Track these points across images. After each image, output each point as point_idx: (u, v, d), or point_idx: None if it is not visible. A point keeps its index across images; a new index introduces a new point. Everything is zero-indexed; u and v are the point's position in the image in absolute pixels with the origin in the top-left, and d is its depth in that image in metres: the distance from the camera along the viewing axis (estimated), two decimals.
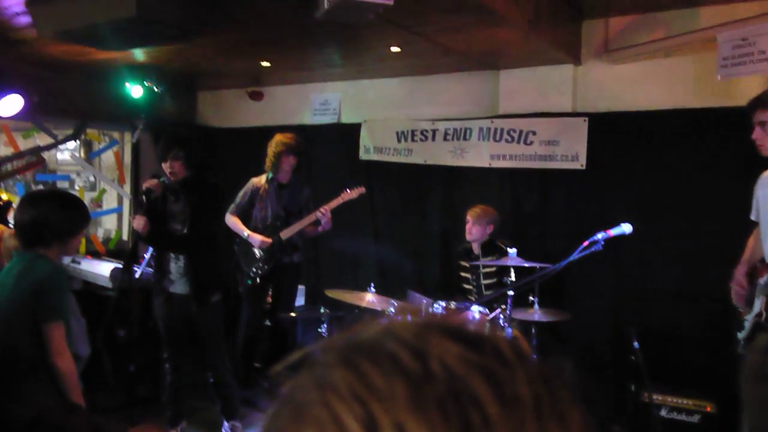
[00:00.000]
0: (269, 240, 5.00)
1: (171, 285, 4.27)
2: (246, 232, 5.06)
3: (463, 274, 4.97)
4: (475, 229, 4.81)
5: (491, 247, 4.81)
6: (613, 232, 3.32)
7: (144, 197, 4.15)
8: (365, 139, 6.21)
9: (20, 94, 5.24)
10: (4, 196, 5.32)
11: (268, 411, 0.52)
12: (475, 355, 0.49)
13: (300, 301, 5.92)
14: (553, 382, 0.51)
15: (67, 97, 6.13)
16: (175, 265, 4.25)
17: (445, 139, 5.70)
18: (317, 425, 0.47)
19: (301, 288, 5.89)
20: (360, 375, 0.48)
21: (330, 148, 6.39)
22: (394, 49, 5.00)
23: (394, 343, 0.49)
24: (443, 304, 4.26)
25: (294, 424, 0.49)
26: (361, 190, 5.09)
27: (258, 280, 5.08)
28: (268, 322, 5.33)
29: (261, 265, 5.06)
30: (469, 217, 4.85)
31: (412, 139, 5.90)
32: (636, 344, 3.96)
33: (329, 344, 0.53)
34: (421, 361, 0.48)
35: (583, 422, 0.51)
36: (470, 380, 0.47)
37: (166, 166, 4.17)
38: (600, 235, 3.26)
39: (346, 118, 6.47)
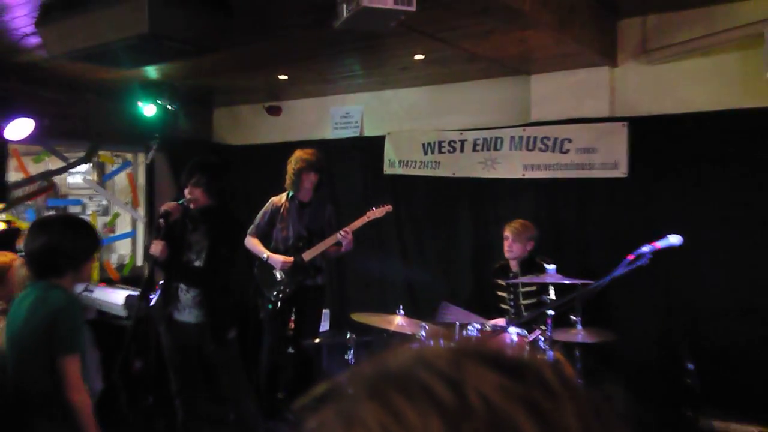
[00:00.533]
0: (290, 260, 5.02)
1: (176, 312, 4.30)
2: (266, 253, 5.08)
3: (500, 293, 4.92)
4: (515, 246, 4.77)
5: (531, 265, 4.75)
6: (660, 244, 3.27)
7: (162, 220, 4.20)
8: (390, 153, 6.22)
9: (30, 117, 5.36)
10: (8, 223, 5.42)
11: None
12: (516, 384, 0.47)
13: (324, 326, 5.91)
14: (605, 413, 0.49)
15: (79, 119, 6.25)
16: (185, 296, 4.29)
17: (474, 149, 5.69)
18: None
19: (325, 312, 5.88)
20: (391, 409, 0.46)
21: (353, 163, 6.41)
22: (418, 57, 5.02)
23: (427, 372, 0.48)
24: (478, 326, 4.22)
25: None
26: (388, 208, 5.09)
27: (279, 304, 5.09)
28: (291, 350, 5.33)
29: (282, 288, 5.07)
30: (508, 233, 4.80)
31: (440, 151, 5.90)
32: (691, 365, 3.88)
33: (356, 374, 0.51)
34: (457, 392, 0.46)
35: None
36: (512, 413, 0.45)
37: (186, 192, 4.23)
38: (646, 248, 3.21)
39: (369, 131, 6.49)
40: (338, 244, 5.04)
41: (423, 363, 0.49)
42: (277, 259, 5.03)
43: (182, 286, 4.31)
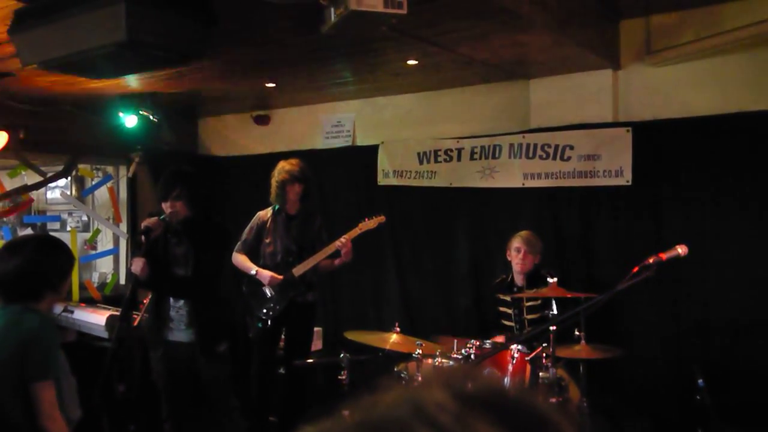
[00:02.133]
0: (280, 277, 5.01)
1: (170, 333, 4.30)
2: (254, 269, 5.08)
3: (502, 309, 4.91)
4: (528, 259, 4.77)
5: (536, 278, 4.75)
6: (667, 255, 3.27)
7: (143, 237, 4.20)
8: (383, 163, 6.23)
9: (4, 130, 5.35)
10: None
11: None
12: None
13: (317, 345, 5.89)
14: None
15: (56, 131, 6.25)
16: (176, 313, 4.29)
17: (471, 158, 5.69)
18: None
19: (317, 330, 5.86)
20: None
21: (345, 173, 6.42)
22: (411, 62, 5.03)
23: (425, 427, 0.43)
24: (476, 343, 4.21)
25: None
26: (381, 219, 5.09)
27: (269, 323, 5.07)
28: (282, 370, 5.31)
29: (272, 305, 5.06)
30: (519, 245, 4.79)
31: (436, 160, 5.91)
32: (701, 382, 3.87)
33: (345, 425, 0.47)
34: None
35: None
36: None
37: (166, 206, 4.23)
38: (652, 260, 3.21)
39: (362, 140, 6.50)
40: (332, 257, 5.04)
41: (422, 415, 0.44)
42: (265, 274, 5.02)
43: (173, 304, 4.31)
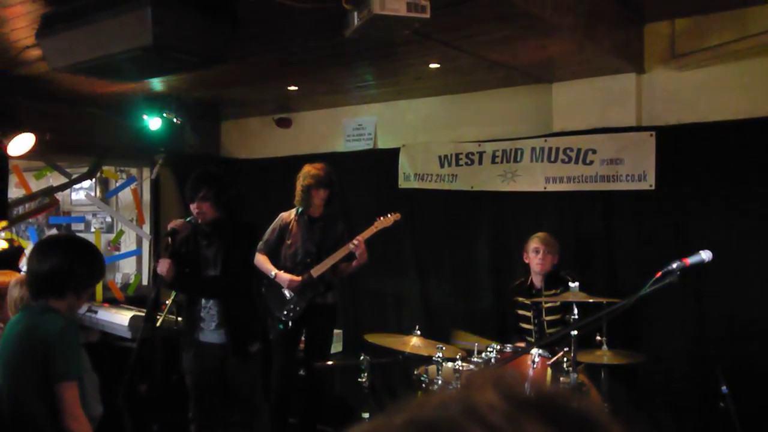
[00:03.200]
0: (298, 279, 5.03)
1: (201, 334, 4.34)
2: (273, 271, 5.10)
3: (521, 311, 4.91)
4: (548, 259, 4.77)
5: (555, 280, 4.74)
6: (691, 260, 3.24)
7: (169, 238, 4.24)
8: (405, 166, 6.24)
9: (31, 132, 5.44)
10: (10, 242, 5.48)
11: None
12: None
13: (337, 347, 5.91)
14: None
15: (81, 133, 6.34)
16: (207, 314, 4.33)
17: (493, 162, 5.69)
18: None
19: (337, 333, 5.88)
20: None
21: (366, 176, 6.43)
22: (434, 65, 5.05)
23: (479, 427, 0.44)
24: (497, 347, 4.20)
25: None
26: (396, 216, 5.10)
27: (290, 324, 5.10)
28: (302, 372, 5.33)
29: (292, 307, 5.08)
30: (538, 245, 4.78)
31: (457, 164, 5.91)
32: (725, 389, 3.83)
33: (390, 423, 0.47)
34: None
35: None
36: None
37: (193, 207, 4.28)
38: (675, 265, 3.18)
39: (383, 143, 6.52)
40: (350, 258, 5.05)
41: (474, 415, 0.45)
42: (284, 277, 5.05)
43: (204, 304, 4.35)
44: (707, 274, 4.27)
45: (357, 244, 4.96)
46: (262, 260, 5.20)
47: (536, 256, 4.79)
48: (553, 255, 4.78)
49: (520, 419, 0.45)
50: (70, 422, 2.72)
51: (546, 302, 4.72)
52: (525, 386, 0.48)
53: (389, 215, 5.10)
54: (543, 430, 0.44)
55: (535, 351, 4.00)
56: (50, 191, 6.57)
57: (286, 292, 5.11)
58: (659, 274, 3.14)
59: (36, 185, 6.83)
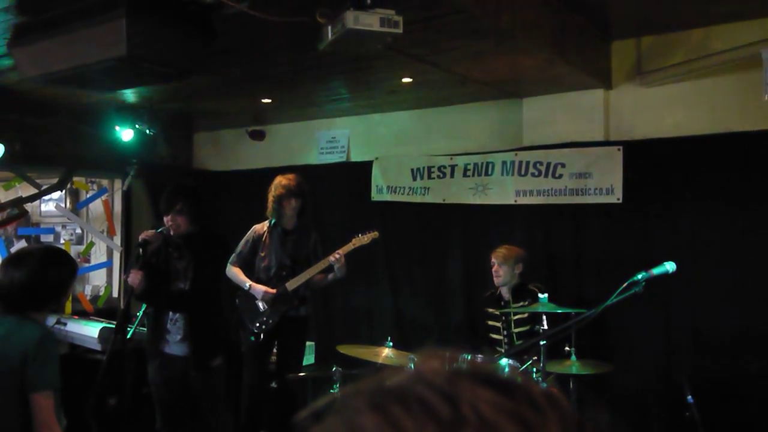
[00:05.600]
0: (273, 291, 5.03)
1: (166, 346, 4.32)
2: (248, 283, 5.09)
3: (491, 322, 4.96)
4: (502, 271, 4.82)
5: (523, 291, 4.80)
6: (655, 271, 3.32)
7: (140, 250, 4.22)
8: (377, 178, 6.28)
9: (0, 142, 5.38)
10: None
11: None
12: (507, 400, 0.52)
13: (309, 359, 5.91)
14: (587, 429, 0.54)
15: (52, 144, 6.27)
16: (174, 326, 4.32)
17: (464, 175, 5.75)
18: None
19: (310, 344, 5.87)
20: (390, 419, 0.51)
21: (339, 189, 6.46)
22: (406, 80, 5.10)
23: (425, 387, 0.53)
24: (467, 356, 4.23)
25: None
26: (374, 234, 5.11)
27: (262, 336, 5.09)
28: (274, 384, 5.31)
29: (265, 319, 5.08)
30: (494, 260, 4.86)
31: (429, 177, 5.96)
32: (690, 398, 3.91)
33: (357, 389, 0.56)
34: (452, 406, 0.51)
35: None
36: (502, 426, 0.50)
37: (168, 219, 4.27)
38: (640, 276, 3.26)
39: (356, 156, 6.56)
40: (325, 271, 5.05)
41: (421, 379, 0.54)
42: (259, 289, 5.04)
43: (171, 316, 4.34)
44: (674, 286, 4.36)
45: (338, 257, 4.95)
46: (235, 272, 5.18)
47: (493, 269, 4.87)
48: (510, 267, 4.81)
49: (457, 380, 0.53)
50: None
51: (514, 313, 4.78)
52: (464, 360, 0.58)
53: (367, 233, 5.09)
54: (476, 388, 0.52)
55: (504, 361, 4.05)
56: (19, 202, 6.49)
57: (260, 304, 5.09)
58: (625, 284, 3.22)
59: (5, 196, 6.74)
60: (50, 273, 2.89)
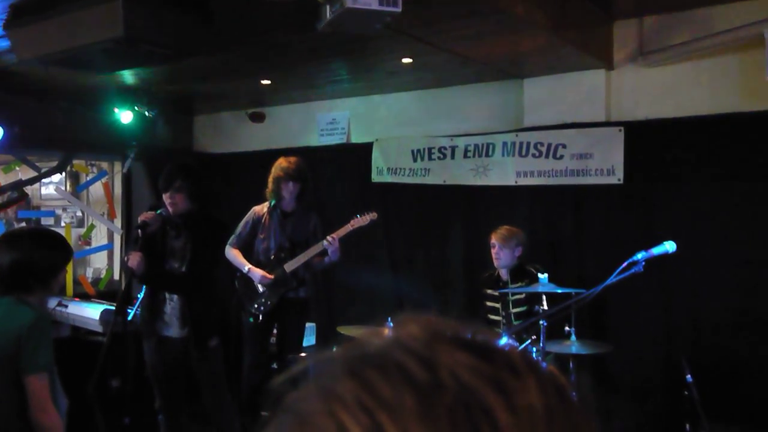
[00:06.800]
0: (270, 276, 5.03)
1: (164, 327, 4.33)
2: (246, 266, 5.10)
3: (489, 303, 4.96)
4: (503, 254, 4.81)
5: (521, 272, 4.80)
6: (655, 251, 3.31)
7: (139, 231, 4.22)
8: (378, 160, 6.26)
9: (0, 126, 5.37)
10: None
11: (268, 422, 0.55)
12: (485, 365, 0.52)
13: (310, 340, 5.92)
14: (568, 395, 0.54)
15: (51, 127, 6.26)
16: (169, 306, 4.32)
17: (465, 156, 5.74)
18: None
19: (311, 326, 5.89)
20: (367, 385, 0.51)
21: (339, 170, 6.45)
22: (406, 60, 5.07)
23: (402, 353, 0.52)
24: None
25: None
26: (373, 215, 5.11)
27: (261, 318, 5.10)
28: (275, 365, 5.34)
29: (264, 301, 5.09)
30: (494, 241, 4.85)
31: (430, 158, 5.95)
32: (690, 377, 3.92)
33: (334, 355, 0.56)
34: (430, 371, 0.51)
35: None
36: (481, 391, 0.50)
37: (166, 197, 4.25)
38: (640, 255, 3.26)
39: (356, 138, 6.54)
40: (323, 254, 5.05)
41: (398, 345, 0.54)
42: (257, 273, 5.04)
43: (167, 297, 4.34)
44: (674, 266, 4.36)
45: (331, 241, 4.95)
46: (234, 254, 5.18)
47: (493, 250, 4.85)
48: (510, 249, 4.80)
49: (435, 345, 0.53)
50: (39, 415, 2.71)
51: (512, 294, 4.78)
52: (443, 325, 0.57)
53: (366, 214, 5.09)
54: (454, 352, 0.52)
55: (504, 340, 4.05)
56: (19, 185, 6.49)
57: (259, 286, 5.11)
58: (625, 264, 3.22)
59: (5, 179, 6.74)
60: (39, 255, 2.88)
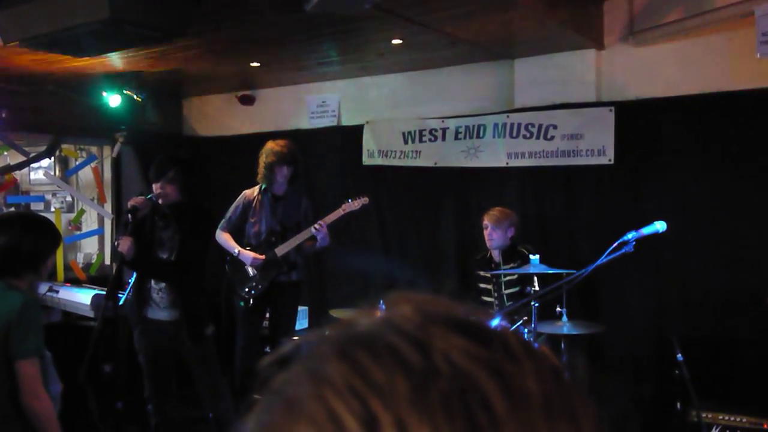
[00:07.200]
0: (261, 257, 5.03)
1: (152, 311, 4.33)
2: (237, 249, 5.09)
3: (482, 285, 4.97)
4: (495, 235, 4.82)
5: (513, 253, 4.82)
6: (645, 231, 3.32)
7: (129, 216, 4.20)
8: (369, 142, 6.24)
9: None
10: None
11: (255, 405, 0.53)
12: (481, 349, 0.50)
13: (303, 323, 5.93)
14: (565, 379, 0.52)
15: (39, 111, 6.21)
16: (158, 295, 4.32)
17: (456, 138, 5.73)
18: (312, 422, 0.47)
19: (303, 309, 5.90)
20: (358, 368, 0.49)
21: (330, 153, 6.43)
22: (396, 41, 5.04)
23: (395, 335, 0.50)
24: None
25: (286, 420, 0.49)
26: (365, 200, 5.10)
27: (252, 302, 5.10)
28: (267, 349, 5.34)
29: (255, 285, 5.08)
30: (487, 222, 4.85)
31: (421, 140, 5.93)
32: (680, 356, 3.95)
33: (323, 336, 0.54)
34: (423, 354, 0.49)
35: (596, 422, 0.52)
36: (476, 376, 0.48)
37: (156, 187, 4.24)
38: (630, 235, 3.27)
39: (347, 120, 6.51)
40: (313, 238, 5.05)
41: (391, 326, 0.51)
42: (248, 255, 5.04)
43: (154, 285, 4.33)
44: (664, 246, 4.37)
45: (318, 228, 4.95)
46: (225, 238, 5.17)
47: (486, 232, 4.86)
48: (503, 230, 4.81)
49: (428, 327, 0.51)
50: (30, 400, 2.71)
51: (504, 275, 4.79)
52: (437, 306, 0.55)
53: (357, 199, 5.08)
54: (449, 335, 0.50)
55: (495, 321, 4.07)
56: (8, 170, 6.44)
57: (249, 270, 5.10)
58: (615, 244, 3.22)
59: None
60: (28, 240, 2.87)
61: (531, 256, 4.21)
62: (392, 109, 6.22)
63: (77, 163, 7.27)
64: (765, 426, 4.08)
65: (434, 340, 0.50)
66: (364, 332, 0.52)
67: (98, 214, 7.25)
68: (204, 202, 4.70)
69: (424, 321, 0.52)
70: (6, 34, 3.76)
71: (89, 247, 7.50)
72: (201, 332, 4.33)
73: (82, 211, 7.24)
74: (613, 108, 5.00)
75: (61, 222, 7.00)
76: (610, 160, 4.99)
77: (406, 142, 6.02)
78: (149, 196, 4.31)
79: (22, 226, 2.92)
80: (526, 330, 3.99)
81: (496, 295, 4.88)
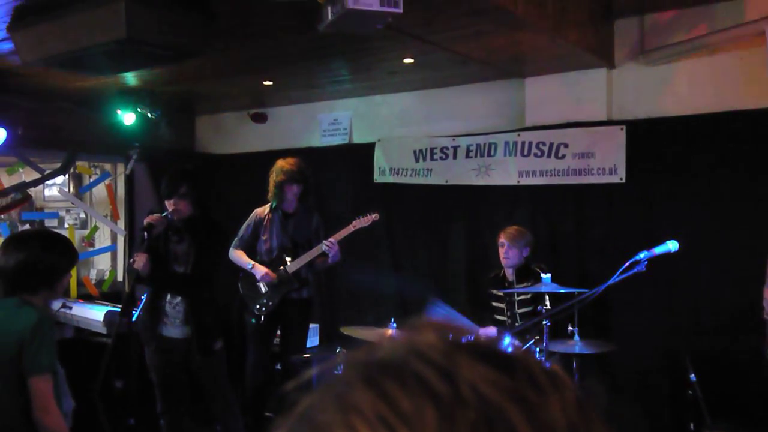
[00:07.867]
0: (273, 275, 5.05)
1: (166, 328, 4.35)
2: (250, 263, 5.12)
3: (495, 304, 4.96)
4: (512, 253, 4.81)
5: (526, 272, 4.81)
6: (658, 250, 3.32)
7: (145, 233, 4.24)
8: (380, 160, 6.27)
9: (3, 127, 5.38)
10: None
11: (279, 427, 0.53)
12: (507, 379, 0.50)
13: (314, 340, 5.93)
14: (588, 409, 0.53)
15: (54, 128, 6.27)
16: (173, 309, 4.34)
17: (467, 156, 5.74)
18: None
19: (314, 327, 5.90)
20: (385, 396, 0.49)
21: (342, 171, 6.45)
22: (408, 60, 5.07)
23: (421, 363, 0.51)
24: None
25: None
26: (375, 216, 5.11)
27: (263, 318, 5.11)
28: (278, 366, 5.34)
29: (265, 301, 5.10)
30: (504, 240, 4.84)
31: (432, 158, 5.95)
32: (693, 376, 3.92)
33: (348, 360, 0.54)
34: (450, 383, 0.49)
35: None
36: (503, 407, 0.48)
37: (169, 204, 4.27)
38: (642, 255, 3.26)
39: (358, 138, 6.54)
40: (324, 255, 5.07)
41: (416, 353, 0.52)
42: (260, 269, 5.06)
43: (169, 299, 4.36)
44: (676, 265, 4.35)
45: (329, 245, 4.97)
46: (238, 255, 5.20)
47: (501, 250, 4.85)
48: (519, 249, 4.81)
49: (454, 356, 0.51)
50: (42, 416, 2.72)
51: (518, 294, 4.78)
52: (460, 332, 0.55)
53: (368, 215, 5.10)
54: (475, 365, 0.51)
55: (507, 339, 4.06)
56: (23, 187, 6.50)
57: (261, 286, 5.12)
58: (627, 263, 3.22)
59: (8, 181, 6.76)
60: (45, 258, 2.90)
61: (542, 275, 4.21)
62: (404, 127, 6.24)
63: (91, 180, 7.34)
64: None
65: (460, 369, 0.50)
66: (388, 358, 0.52)
67: (111, 230, 7.30)
68: (214, 215, 4.74)
69: (449, 349, 0.52)
70: (24, 54, 3.81)
71: (102, 263, 7.55)
72: (210, 346, 4.34)
73: (95, 228, 7.30)
74: (624, 126, 5.00)
75: (75, 238, 7.05)
76: (621, 179, 4.99)
77: (417, 160, 6.04)
78: (164, 214, 4.34)
79: (41, 244, 2.95)
80: (537, 349, 3.98)
81: (509, 314, 4.87)
